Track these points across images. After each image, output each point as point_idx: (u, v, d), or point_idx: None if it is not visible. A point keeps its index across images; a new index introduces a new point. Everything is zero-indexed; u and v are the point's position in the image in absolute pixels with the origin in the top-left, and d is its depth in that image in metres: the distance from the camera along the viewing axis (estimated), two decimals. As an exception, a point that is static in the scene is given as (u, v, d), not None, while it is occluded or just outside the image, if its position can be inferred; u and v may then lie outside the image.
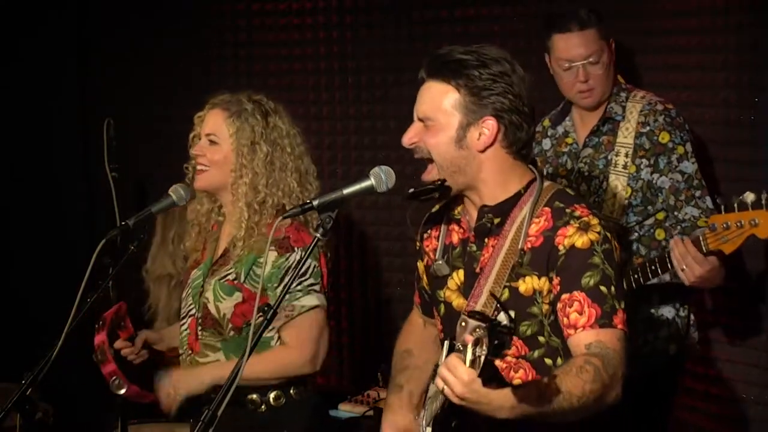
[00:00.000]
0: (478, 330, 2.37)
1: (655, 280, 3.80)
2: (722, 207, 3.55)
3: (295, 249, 3.49)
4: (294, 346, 3.50)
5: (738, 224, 3.49)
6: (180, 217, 3.86)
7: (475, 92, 2.79)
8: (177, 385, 3.52)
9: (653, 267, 3.75)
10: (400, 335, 3.28)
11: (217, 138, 3.58)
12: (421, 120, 2.86)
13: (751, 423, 4.35)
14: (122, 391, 3.58)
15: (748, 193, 3.48)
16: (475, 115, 2.80)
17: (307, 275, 3.49)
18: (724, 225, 3.51)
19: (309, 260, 3.47)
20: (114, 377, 3.58)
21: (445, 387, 2.46)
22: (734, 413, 4.38)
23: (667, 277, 3.81)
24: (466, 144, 2.81)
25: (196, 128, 3.66)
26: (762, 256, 4.16)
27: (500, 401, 2.47)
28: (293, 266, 3.45)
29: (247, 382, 3.29)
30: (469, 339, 2.37)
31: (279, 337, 3.52)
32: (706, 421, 4.46)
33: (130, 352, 3.68)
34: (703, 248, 3.56)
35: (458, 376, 2.41)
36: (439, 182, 2.84)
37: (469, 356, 2.37)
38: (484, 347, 2.33)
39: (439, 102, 2.82)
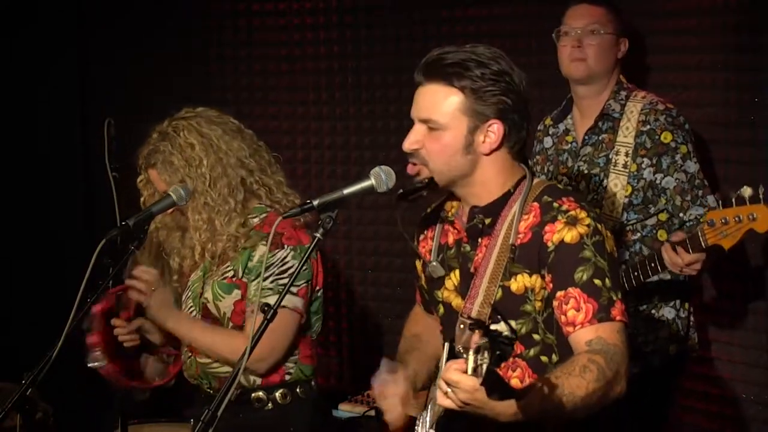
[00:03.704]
0: (480, 338, 2.35)
1: (655, 278, 3.81)
2: (720, 202, 3.56)
3: (285, 246, 3.49)
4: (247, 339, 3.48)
5: (736, 219, 3.50)
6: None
7: (479, 93, 2.76)
8: (153, 304, 3.53)
9: (653, 264, 3.75)
10: (407, 323, 3.25)
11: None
12: (423, 121, 2.81)
13: (751, 423, 4.35)
14: (98, 364, 3.58)
15: (745, 187, 3.49)
16: (480, 118, 2.77)
17: (285, 275, 3.48)
18: (723, 220, 3.52)
19: (292, 261, 3.47)
20: (96, 349, 3.58)
21: (448, 393, 2.45)
22: (734, 413, 4.38)
23: (667, 275, 3.81)
24: (472, 149, 2.79)
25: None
26: (762, 256, 4.16)
27: (503, 407, 2.47)
28: (275, 263, 3.46)
29: (198, 347, 3.56)
30: (472, 344, 2.36)
31: None
32: (706, 421, 4.46)
33: (124, 332, 3.67)
34: (702, 244, 3.57)
35: (461, 385, 2.40)
36: (427, 180, 2.82)
37: (471, 364, 2.36)
38: (486, 356, 2.32)
39: (443, 105, 2.77)
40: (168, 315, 3.55)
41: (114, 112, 5.00)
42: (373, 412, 4.73)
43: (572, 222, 2.74)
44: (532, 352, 2.82)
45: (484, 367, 2.32)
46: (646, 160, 3.92)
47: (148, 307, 3.55)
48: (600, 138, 4.02)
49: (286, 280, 3.45)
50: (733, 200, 3.51)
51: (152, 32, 5.66)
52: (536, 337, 2.81)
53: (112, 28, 5.76)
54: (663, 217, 3.95)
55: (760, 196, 3.47)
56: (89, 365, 3.61)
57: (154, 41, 5.66)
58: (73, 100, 5.84)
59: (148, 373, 3.81)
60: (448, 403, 2.48)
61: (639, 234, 3.96)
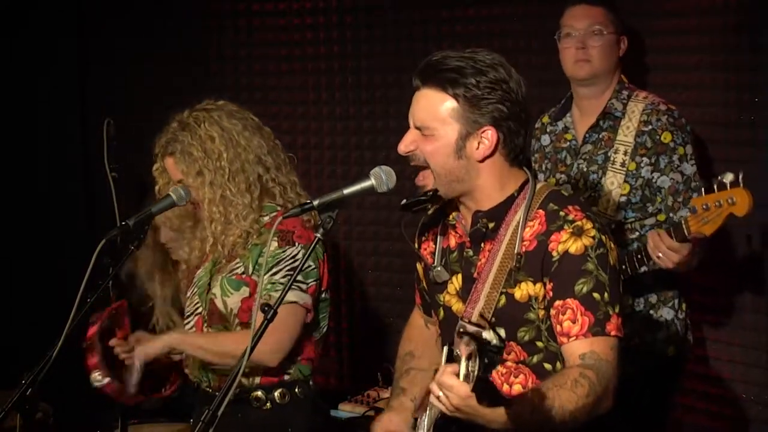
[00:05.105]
0: (471, 345, 2.36)
1: (644, 269, 3.80)
2: (702, 189, 3.56)
3: (296, 244, 3.49)
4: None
5: (717, 204, 3.50)
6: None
7: (473, 102, 2.76)
8: (137, 355, 3.52)
9: (639, 256, 3.75)
10: (403, 338, 3.27)
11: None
12: (417, 128, 2.83)
13: (751, 423, 4.35)
14: (99, 384, 3.58)
15: (727, 173, 3.49)
16: (473, 125, 2.77)
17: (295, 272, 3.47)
18: (704, 206, 3.53)
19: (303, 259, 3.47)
20: (96, 370, 3.58)
21: (440, 397, 2.47)
22: (734, 413, 4.38)
23: (657, 267, 3.81)
24: (465, 154, 2.79)
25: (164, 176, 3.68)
26: (761, 256, 4.16)
27: (493, 415, 2.48)
28: (286, 259, 3.46)
29: (208, 356, 3.52)
30: (464, 351, 2.37)
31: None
32: (705, 421, 4.46)
33: (121, 351, 3.67)
34: (686, 232, 3.57)
35: (454, 390, 2.42)
36: (431, 192, 2.82)
37: (462, 370, 2.38)
38: (476, 363, 2.33)
39: (437, 111, 2.78)
40: (162, 337, 3.56)
41: (114, 112, 5.02)
42: (372, 412, 4.74)
43: (578, 233, 2.74)
44: (535, 359, 2.82)
45: (475, 373, 2.33)
46: (645, 159, 3.92)
47: (141, 348, 3.55)
48: (600, 136, 4.03)
49: (298, 276, 3.44)
50: (715, 186, 3.52)
51: (152, 32, 5.66)
52: (539, 344, 2.81)
53: (112, 28, 5.76)
54: (662, 217, 3.95)
55: (740, 181, 3.47)
56: (94, 385, 3.62)
57: (154, 41, 5.66)
58: (73, 100, 5.85)
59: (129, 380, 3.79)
60: (439, 406, 2.50)
61: (637, 233, 3.96)
